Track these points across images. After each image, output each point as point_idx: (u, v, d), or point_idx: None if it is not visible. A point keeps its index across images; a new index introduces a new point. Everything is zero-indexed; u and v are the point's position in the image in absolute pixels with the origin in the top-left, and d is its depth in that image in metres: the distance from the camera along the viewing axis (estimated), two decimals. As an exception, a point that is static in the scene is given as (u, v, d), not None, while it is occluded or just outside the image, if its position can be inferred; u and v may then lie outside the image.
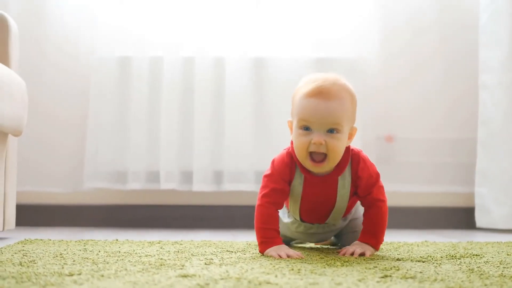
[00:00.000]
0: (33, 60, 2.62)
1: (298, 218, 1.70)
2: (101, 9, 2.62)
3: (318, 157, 1.55)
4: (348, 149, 1.61)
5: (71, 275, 1.22)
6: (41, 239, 1.89)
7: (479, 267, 1.40)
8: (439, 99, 2.74)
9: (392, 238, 2.16)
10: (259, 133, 2.62)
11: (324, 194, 1.63)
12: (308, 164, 1.57)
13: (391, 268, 1.36)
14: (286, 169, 1.62)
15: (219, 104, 2.62)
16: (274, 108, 2.62)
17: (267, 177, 1.63)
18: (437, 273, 1.30)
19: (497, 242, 1.99)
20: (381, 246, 1.82)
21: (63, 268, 1.31)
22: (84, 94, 2.64)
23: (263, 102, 2.64)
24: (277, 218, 1.62)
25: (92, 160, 2.57)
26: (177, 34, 2.63)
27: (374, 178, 1.63)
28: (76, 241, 1.85)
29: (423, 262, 1.49)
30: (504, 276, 1.27)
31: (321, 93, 1.55)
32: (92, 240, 1.89)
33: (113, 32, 2.61)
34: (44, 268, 1.30)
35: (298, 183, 1.63)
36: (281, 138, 2.54)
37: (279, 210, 1.64)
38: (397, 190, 2.71)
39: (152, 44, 2.62)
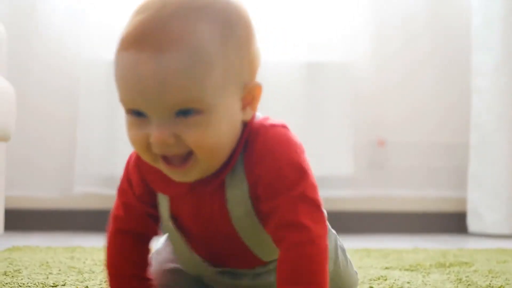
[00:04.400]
0: (22, 60, 2.60)
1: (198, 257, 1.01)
2: (91, 9, 2.61)
3: (176, 159, 0.88)
4: (247, 126, 0.91)
5: (55, 286, 1.21)
6: (29, 246, 1.88)
7: (467, 276, 1.39)
8: (431, 103, 2.73)
9: (383, 245, 2.16)
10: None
11: (210, 217, 0.94)
12: (163, 167, 0.89)
13: (378, 278, 1.36)
14: (135, 176, 0.97)
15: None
16: (264, 112, 2.61)
17: (118, 190, 0.99)
18: (425, 284, 1.29)
19: (488, 249, 1.98)
20: (371, 253, 1.80)
21: (47, 278, 1.30)
22: (74, 96, 2.62)
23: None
24: (138, 256, 0.98)
25: (82, 163, 2.55)
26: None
27: (288, 177, 0.89)
28: (64, 248, 1.84)
29: (412, 271, 1.48)
30: (492, 286, 1.27)
31: (141, 41, 0.84)
32: (80, 247, 1.88)
33: (103, 33, 2.59)
34: (29, 278, 1.29)
35: (162, 201, 0.97)
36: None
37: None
38: (388, 194, 2.70)
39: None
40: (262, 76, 2.82)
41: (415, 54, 2.73)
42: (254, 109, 0.91)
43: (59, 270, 1.41)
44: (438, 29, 2.73)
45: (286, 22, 2.65)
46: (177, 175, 0.89)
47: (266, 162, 0.90)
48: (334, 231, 1.05)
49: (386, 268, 1.53)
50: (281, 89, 2.58)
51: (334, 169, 2.61)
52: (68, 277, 1.31)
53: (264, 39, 2.64)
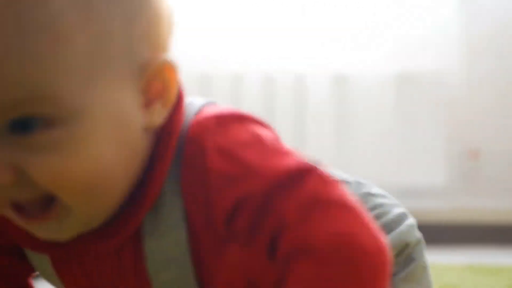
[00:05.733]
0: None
1: None
2: (181, 26, 2.67)
3: (31, 206, 0.54)
4: (168, 134, 0.59)
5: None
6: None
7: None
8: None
9: (487, 259, 2.10)
10: (341, 150, 2.60)
11: (117, 284, 0.61)
12: (14, 218, 0.55)
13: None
14: None
15: (299, 121, 2.62)
16: (355, 124, 2.60)
17: None
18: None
19: None
20: (478, 269, 1.68)
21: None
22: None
23: (344, 118, 2.62)
24: None
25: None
26: (256, 51, 2.64)
27: (276, 169, 0.55)
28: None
29: None
30: None
31: None
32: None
33: (192, 49, 2.65)
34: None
35: (38, 259, 0.63)
36: (366, 154, 2.51)
37: None
38: (482, 205, 2.64)
39: (233, 61, 2.65)
40: (352, 87, 2.79)
41: (510, 61, 2.66)
42: (167, 104, 0.57)
43: None
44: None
45: (372, 32, 2.63)
46: (40, 231, 0.54)
47: (217, 165, 0.55)
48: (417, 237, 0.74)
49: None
50: (371, 99, 2.56)
51: (426, 180, 2.57)
52: None
53: (352, 50, 2.63)
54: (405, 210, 0.74)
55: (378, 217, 0.71)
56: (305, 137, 2.61)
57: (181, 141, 0.57)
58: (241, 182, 0.54)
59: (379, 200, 0.74)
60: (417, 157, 2.55)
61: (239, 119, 0.60)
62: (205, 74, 2.66)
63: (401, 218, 0.73)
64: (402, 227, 0.72)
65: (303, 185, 0.53)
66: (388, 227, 0.71)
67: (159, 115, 0.57)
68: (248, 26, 2.66)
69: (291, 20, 2.66)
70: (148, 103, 0.57)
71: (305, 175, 0.54)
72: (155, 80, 0.57)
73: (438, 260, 1.95)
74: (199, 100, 0.63)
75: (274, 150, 0.57)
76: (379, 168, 2.56)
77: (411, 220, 0.74)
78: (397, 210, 0.74)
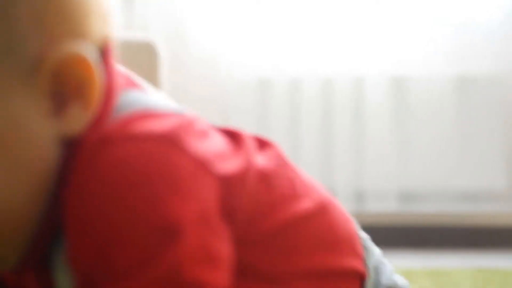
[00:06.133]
0: (175, 81, 2.73)
1: None
2: (241, 31, 2.70)
3: None
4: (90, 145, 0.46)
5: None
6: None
7: None
8: None
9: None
10: (400, 153, 2.60)
11: None
12: None
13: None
14: None
15: (358, 124, 2.63)
16: (414, 127, 2.60)
17: None
18: None
19: None
20: None
21: None
22: (226, 114, 2.71)
23: (403, 121, 2.62)
24: None
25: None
26: (314, 55, 2.66)
27: (135, 244, 0.43)
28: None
29: None
30: None
31: None
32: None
33: (254, 53, 2.68)
34: None
35: None
36: (426, 157, 2.51)
37: None
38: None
39: (291, 66, 2.67)
40: (411, 90, 2.75)
41: None
42: (89, 106, 0.46)
43: None
44: None
45: (433, 33, 2.63)
46: None
47: (81, 226, 0.43)
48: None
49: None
50: (432, 102, 2.56)
51: (485, 183, 2.55)
52: None
53: (411, 52, 2.63)
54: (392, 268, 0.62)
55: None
56: (363, 140, 2.62)
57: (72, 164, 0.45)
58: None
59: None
60: (477, 160, 2.54)
61: (157, 137, 0.44)
62: (264, 79, 2.69)
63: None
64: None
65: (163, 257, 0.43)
66: None
67: (78, 121, 0.45)
68: (304, 31, 2.68)
69: (348, 23, 2.67)
70: (59, 108, 0.45)
71: (172, 242, 0.43)
72: (65, 78, 0.44)
73: (500, 265, 1.94)
74: (141, 101, 0.48)
75: (171, 191, 0.44)
76: (438, 172, 2.55)
77: None
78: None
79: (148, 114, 0.46)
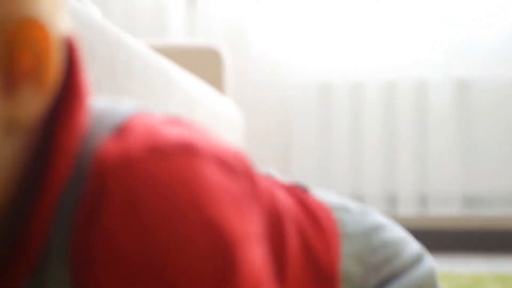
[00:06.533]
0: (237, 86, 2.74)
1: None
2: (300, 36, 2.70)
3: None
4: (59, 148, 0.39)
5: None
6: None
7: None
8: None
9: None
10: (465, 156, 2.57)
11: None
12: None
13: None
14: None
15: (422, 128, 2.61)
16: (479, 130, 2.57)
17: None
18: None
19: None
20: None
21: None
22: (287, 117, 2.72)
23: (467, 124, 2.59)
24: None
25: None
26: (376, 59, 2.65)
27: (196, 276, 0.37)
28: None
29: None
30: None
31: None
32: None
33: (313, 57, 2.68)
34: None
35: None
36: (490, 160, 2.48)
37: None
38: None
39: (353, 70, 2.66)
40: (475, 92, 2.70)
41: None
42: (42, 87, 0.38)
43: None
44: None
45: (494, 34, 2.59)
46: None
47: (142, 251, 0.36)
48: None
49: None
50: (494, 103, 2.53)
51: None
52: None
53: (474, 53, 2.60)
54: (419, 246, 0.60)
55: (390, 259, 0.56)
56: (427, 144, 2.60)
57: (81, 168, 0.38)
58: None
59: (389, 235, 0.58)
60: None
61: (189, 156, 0.38)
62: (326, 84, 2.68)
63: (418, 259, 0.59)
64: (420, 272, 0.58)
65: None
66: (404, 270, 0.57)
67: (28, 104, 0.37)
68: (366, 35, 2.67)
69: (410, 26, 2.65)
70: (10, 86, 0.37)
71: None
72: (20, 50, 0.37)
73: None
74: (125, 103, 0.42)
75: (233, 210, 0.39)
76: (502, 175, 2.52)
77: (429, 263, 0.59)
78: (411, 249, 0.59)
79: (144, 114, 0.41)
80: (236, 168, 0.40)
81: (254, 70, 2.73)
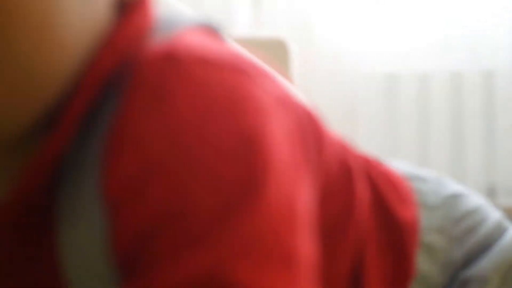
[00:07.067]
0: (302, 77, 2.76)
1: None
2: (368, 26, 2.70)
3: None
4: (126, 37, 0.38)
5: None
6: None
7: None
8: None
9: None
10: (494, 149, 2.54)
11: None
12: None
13: None
14: None
15: (489, 118, 2.58)
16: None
17: None
18: None
19: None
20: None
21: None
22: (352, 109, 2.72)
23: (497, 115, 2.55)
24: None
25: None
26: (441, 49, 2.63)
27: (222, 188, 0.34)
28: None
29: None
30: None
31: None
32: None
33: (380, 47, 2.67)
34: None
35: None
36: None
37: None
38: None
39: (419, 60, 2.65)
40: (502, 83, 2.56)
41: None
42: None
43: None
44: None
45: None
46: None
47: (163, 153, 0.33)
48: None
49: None
50: None
51: None
52: None
53: (501, 45, 2.56)
54: (499, 213, 0.57)
55: (475, 227, 0.53)
56: (494, 134, 2.57)
57: (126, 68, 0.36)
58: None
59: (470, 203, 0.55)
60: None
61: (240, 73, 0.34)
62: (391, 74, 2.68)
63: (501, 226, 0.56)
64: (506, 241, 0.54)
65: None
66: (489, 240, 0.54)
67: None
68: (432, 24, 2.66)
69: (476, 17, 2.62)
70: None
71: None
72: None
73: None
74: (189, 14, 0.39)
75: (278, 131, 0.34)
76: None
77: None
78: (494, 216, 0.56)
79: (204, 30, 0.38)
80: (297, 110, 0.38)
81: (320, 61, 2.74)
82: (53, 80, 0.33)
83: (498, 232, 0.54)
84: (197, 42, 0.35)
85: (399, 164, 0.56)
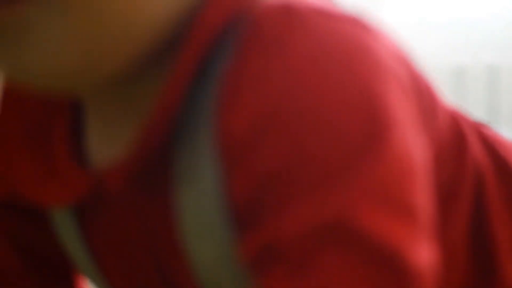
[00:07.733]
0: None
1: None
2: (436, 17, 2.67)
3: None
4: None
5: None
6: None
7: None
8: None
9: None
10: None
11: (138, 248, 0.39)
12: None
13: None
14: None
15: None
16: None
17: None
18: None
19: None
20: None
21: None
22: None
23: None
24: None
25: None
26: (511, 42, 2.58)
27: (344, 139, 0.32)
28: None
29: None
30: None
31: None
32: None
33: (446, 42, 2.64)
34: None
35: (59, 218, 0.43)
36: None
37: None
38: None
39: (487, 53, 2.60)
40: None
41: None
42: None
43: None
44: None
45: None
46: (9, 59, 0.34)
47: (285, 107, 0.33)
48: None
49: None
50: None
51: None
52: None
53: None
54: None
55: None
56: None
57: (240, 22, 0.35)
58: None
59: None
60: None
61: (361, 28, 0.35)
62: (459, 66, 2.64)
63: None
64: None
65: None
66: None
67: None
68: (501, 17, 2.60)
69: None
70: None
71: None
72: None
73: None
74: None
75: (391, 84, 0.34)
76: None
77: None
78: None
79: None
80: (413, 70, 0.37)
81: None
82: (150, 25, 0.32)
83: None
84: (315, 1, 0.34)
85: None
